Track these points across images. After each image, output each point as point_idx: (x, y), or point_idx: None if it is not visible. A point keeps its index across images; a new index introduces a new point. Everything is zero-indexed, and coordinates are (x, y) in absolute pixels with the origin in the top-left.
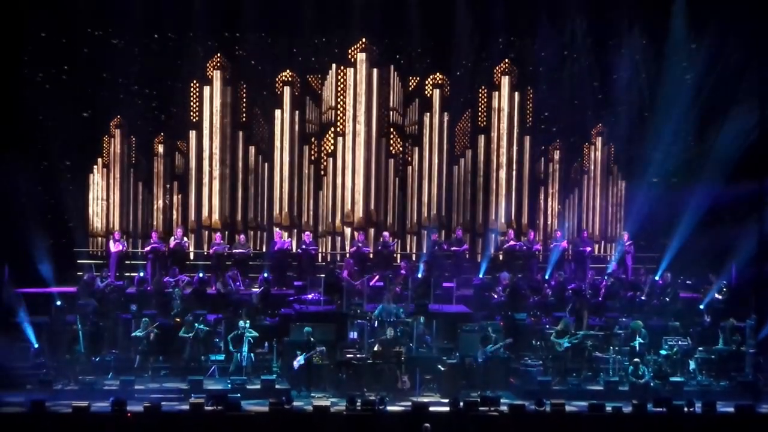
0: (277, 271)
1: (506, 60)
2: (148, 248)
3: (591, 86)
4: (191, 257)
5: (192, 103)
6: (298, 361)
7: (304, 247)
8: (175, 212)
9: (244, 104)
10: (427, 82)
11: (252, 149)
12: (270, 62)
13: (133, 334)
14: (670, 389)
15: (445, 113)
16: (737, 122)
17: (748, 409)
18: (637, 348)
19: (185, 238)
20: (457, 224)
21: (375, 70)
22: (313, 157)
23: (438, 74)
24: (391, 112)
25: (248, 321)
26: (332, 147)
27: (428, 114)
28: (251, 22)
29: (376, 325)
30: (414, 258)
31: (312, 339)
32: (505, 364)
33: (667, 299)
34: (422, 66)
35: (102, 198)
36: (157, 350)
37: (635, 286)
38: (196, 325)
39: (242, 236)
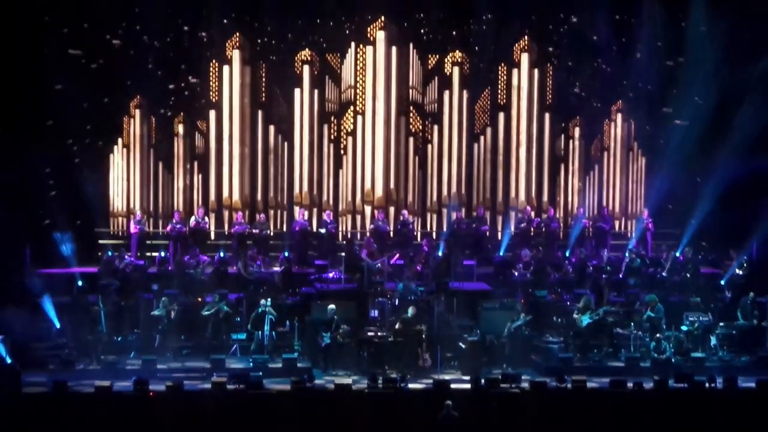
0: (298, 250)
1: (525, 37)
2: (169, 228)
3: (611, 63)
4: (212, 237)
5: (211, 83)
6: (324, 339)
7: (323, 230)
8: (195, 192)
9: (263, 84)
10: (446, 60)
11: (272, 128)
12: (289, 41)
13: (153, 313)
14: (692, 365)
15: (465, 91)
16: (758, 97)
17: None
18: (645, 319)
19: (206, 218)
20: (477, 202)
21: (394, 49)
22: (332, 136)
23: (457, 52)
24: (410, 91)
25: (269, 300)
26: (352, 126)
27: (448, 92)
28: (270, 1)
29: (397, 303)
30: (434, 236)
31: (336, 317)
32: (526, 342)
33: (688, 275)
34: (441, 44)
35: (122, 178)
36: (178, 329)
37: (656, 262)
38: (220, 305)
39: (262, 216)
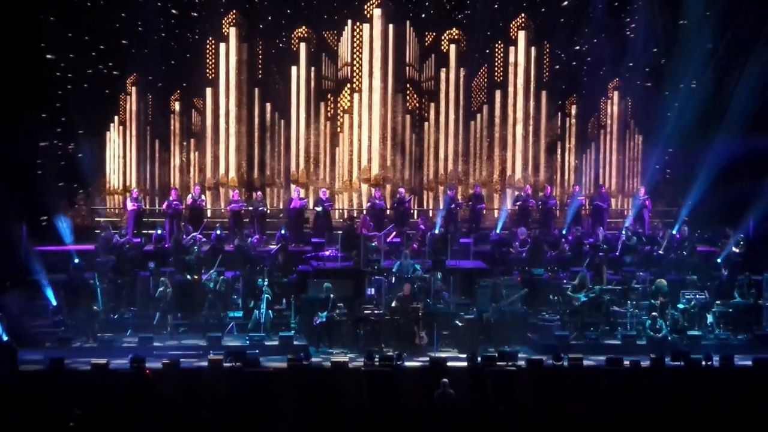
0: (294, 228)
1: (522, 14)
2: (165, 206)
3: (607, 40)
4: (208, 215)
5: (208, 61)
6: (320, 317)
7: (319, 209)
8: (192, 170)
9: (260, 61)
10: (443, 38)
11: (268, 106)
12: (286, 19)
13: (159, 289)
14: (688, 343)
15: (461, 68)
16: (755, 74)
17: (766, 362)
18: (658, 306)
19: (202, 196)
20: (474, 180)
21: (391, 26)
22: (329, 114)
23: (454, 29)
24: (407, 68)
25: (266, 279)
26: (348, 103)
27: (444, 69)
28: None
29: (393, 281)
30: (431, 214)
31: (332, 295)
32: (522, 319)
33: (685, 253)
34: (438, 21)
35: (119, 156)
36: (175, 307)
37: (652, 240)
38: (216, 276)
39: (259, 193)
